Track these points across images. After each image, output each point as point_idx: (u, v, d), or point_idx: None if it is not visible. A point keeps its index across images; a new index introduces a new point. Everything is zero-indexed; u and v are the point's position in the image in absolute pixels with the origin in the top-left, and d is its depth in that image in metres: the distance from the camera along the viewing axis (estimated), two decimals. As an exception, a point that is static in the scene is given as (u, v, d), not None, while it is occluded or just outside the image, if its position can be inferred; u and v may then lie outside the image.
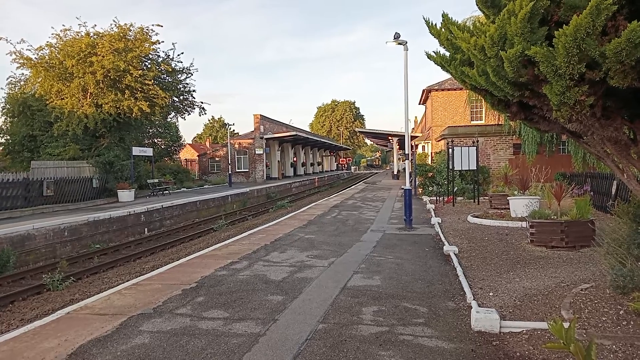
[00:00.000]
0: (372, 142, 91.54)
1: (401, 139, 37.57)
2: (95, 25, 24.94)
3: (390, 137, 44.20)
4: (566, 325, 3.08)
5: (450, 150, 18.08)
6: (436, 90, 31.70)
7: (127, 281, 8.37)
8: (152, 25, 27.04)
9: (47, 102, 24.69)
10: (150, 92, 25.94)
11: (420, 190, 24.67)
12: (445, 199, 19.47)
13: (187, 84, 31.08)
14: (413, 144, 36.21)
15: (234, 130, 64.32)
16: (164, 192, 26.39)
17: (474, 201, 18.34)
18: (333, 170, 76.99)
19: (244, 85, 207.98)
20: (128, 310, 5.98)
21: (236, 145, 43.18)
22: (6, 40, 31.86)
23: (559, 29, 3.72)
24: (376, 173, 77.75)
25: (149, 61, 27.60)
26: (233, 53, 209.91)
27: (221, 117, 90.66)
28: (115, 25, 25.88)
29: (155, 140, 40.12)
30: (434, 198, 20.50)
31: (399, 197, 22.69)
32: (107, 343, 4.87)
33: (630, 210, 5.66)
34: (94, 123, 24.59)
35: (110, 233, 17.07)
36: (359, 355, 4.41)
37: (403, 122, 19.04)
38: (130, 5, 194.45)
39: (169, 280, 7.58)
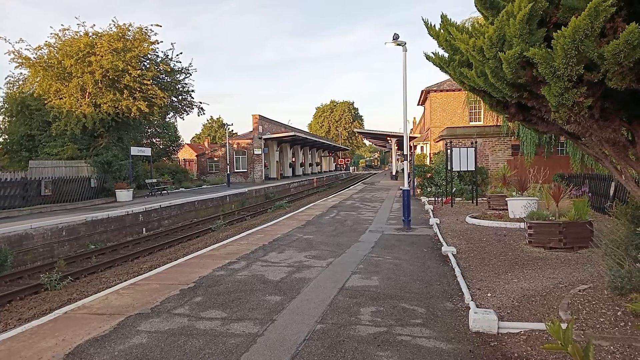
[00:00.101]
0: (370, 143, 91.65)
1: (400, 139, 37.61)
2: (94, 25, 24.89)
3: (388, 138, 44.24)
4: (564, 326, 3.09)
5: (448, 151, 18.10)
6: (435, 91, 31.72)
7: (125, 281, 8.36)
8: (151, 25, 27.02)
9: (46, 102, 24.64)
10: (148, 92, 25.91)
11: (418, 191, 24.68)
12: (444, 199, 19.49)
13: (185, 84, 31.06)
14: (412, 145, 36.22)
15: (232, 131, 64.29)
16: (162, 192, 26.35)
17: (473, 202, 18.36)
18: (332, 171, 77.00)
19: (243, 86, 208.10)
20: (126, 310, 5.97)
21: (235, 146, 43.16)
22: (5, 39, 31.91)
23: (558, 31, 3.73)
24: (375, 174, 77.80)
25: (148, 61, 27.56)
26: (232, 53, 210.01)
27: (220, 117, 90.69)
28: (114, 25, 25.87)
29: (154, 140, 40.02)
30: (433, 199, 20.53)
31: (398, 198, 22.71)
32: (105, 343, 4.87)
33: (628, 212, 5.67)
34: (92, 123, 24.54)
35: (108, 233, 17.04)
36: (357, 356, 4.41)
37: (402, 122, 19.07)
38: (129, 5, 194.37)
39: (166, 280, 7.57)
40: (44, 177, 20.07)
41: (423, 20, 5.44)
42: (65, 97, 24.72)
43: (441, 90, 31.47)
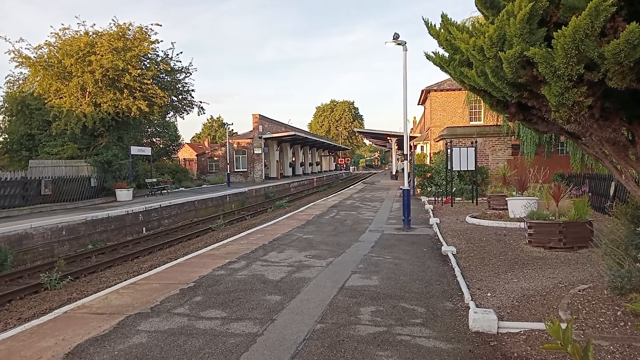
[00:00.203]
0: (370, 143, 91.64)
1: (400, 139, 37.60)
2: (95, 24, 24.94)
3: (389, 138, 44.23)
4: (564, 326, 3.09)
5: (448, 150, 18.10)
6: (435, 90, 31.71)
7: (125, 280, 8.36)
8: (151, 24, 27.00)
9: (46, 101, 24.64)
10: (149, 92, 25.90)
11: (418, 190, 24.68)
12: (444, 199, 19.49)
13: (186, 83, 31.05)
14: (412, 145, 36.21)
15: (232, 130, 64.34)
16: (162, 191, 26.35)
17: (473, 202, 18.36)
18: (332, 170, 77.00)
19: (243, 85, 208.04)
20: (126, 309, 5.97)
21: (235, 145, 43.16)
22: (5, 39, 31.78)
23: (558, 30, 3.72)
24: (375, 173, 77.80)
25: (148, 60, 27.54)
26: (232, 53, 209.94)
27: (220, 117, 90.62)
28: (114, 24, 25.84)
29: (154, 140, 40.02)
30: (433, 198, 20.53)
31: (398, 198, 22.70)
32: (105, 342, 4.87)
33: (628, 212, 5.67)
34: (92, 122, 24.54)
35: (108, 232, 17.04)
36: (357, 356, 4.41)
37: (402, 122, 19.06)
38: (129, 5, 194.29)
39: (166, 279, 7.57)
40: (44, 176, 20.07)
41: (423, 19, 5.44)
42: (66, 97, 24.71)
43: (441, 90, 31.47)
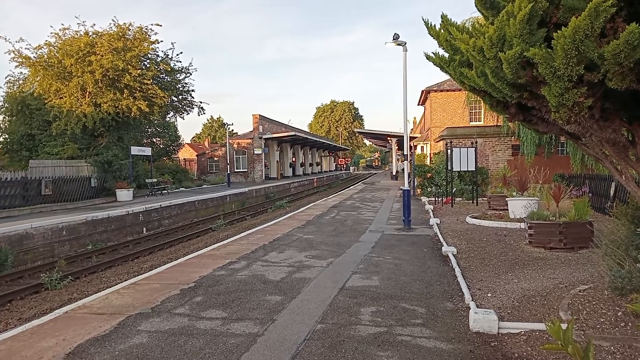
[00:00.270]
0: (371, 143, 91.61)
1: (400, 139, 37.60)
2: (95, 24, 24.97)
3: (389, 138, 44.23)
4: (564, 326, 3.09)
5: (449, 151, 18.10)
6: (435, 91, 31.71)
7: (126, 280, 8.37)
8: (152, 24, 27.02)
9: (46, 101, 24.65)
10: (149, 92, 25.92)
11: (419, 191, 24.68)
12: (444, 199, 19.49)
13: (186, 83, 31.07)
14: (412, 145, 36.22)
15: (232, 130, 64.32)
16: (163, 191, 26.35)
17: (473, 202, 18.36)
18: (332, 171, 77.00)
19: (243, 85, 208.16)
20: (126, 309, 5.98)
21: (235, 145, 43.16)
22: (5, 39, 31.85)
23: (558, 31, 3.73)
24: (375, 174, 77.81)
25: (148, 61, 27.56)
26: (232, 53, 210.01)
27: (220, 117, 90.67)
28: (115, 24, 25.86)
29: (154, 140, 40.06)
30: (433, 199, 20.53)
31: (398, 198, 22.71)
32: (105, 342, 4.87)
33: (629, 212, 5.67)
34: (92, 122, 24.55)
35: (109, 232, 17.04)
36: (357, 356, 4.41)
37: (402, 122, 19.06)
38: (129, 5, 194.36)
39: (167, 279, 7.58)
40: (44, 176, 20.08)
41: (423, 20, 5.45)
42: (66, 97, 24.72)
43: (441, 90, 31.46)
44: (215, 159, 45.82)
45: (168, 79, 29.59)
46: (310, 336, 4.92)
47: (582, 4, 3.70)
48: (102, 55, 24.15)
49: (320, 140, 62.89)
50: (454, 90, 30.12)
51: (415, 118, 59.19)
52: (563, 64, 3.78)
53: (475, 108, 28.91)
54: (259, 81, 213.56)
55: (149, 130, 38.55)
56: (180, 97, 31.53)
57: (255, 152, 41.57)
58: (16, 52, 24.49)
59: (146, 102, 25.60)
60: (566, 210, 9.17)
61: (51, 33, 25.62)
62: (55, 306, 8.87)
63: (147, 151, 28.17)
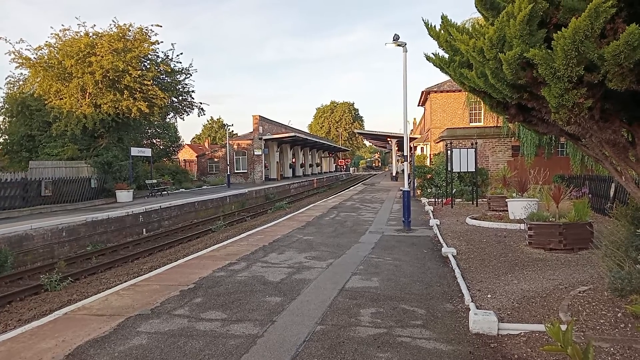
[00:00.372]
0: (371, 144, 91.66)
1: (400, 140, 37.62)
2: (95, 25, 24.96)
3: (389, 139, 44.29)
4: (564, 327, 3.08)
5: (448, 152, 18.10)
6: (435, 92, 31.73)
7: (125, 282, 8.36)
8: (152, 25, 27.05)
9: (46, 102, 24.66)
10: (149, 93, 25.93)
11: (418, 191, 24.68)
12: (444, 200, 19.49)
13: (186, 84, 31.09)
14: (412, 146, 36.23)
15: (232, 131, 64.18)
16: (163, 192, 26.35)
17: (473, 203, 18.36)
18: (332, 172, 77.02)
19: (243, 86, 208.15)
20: (126, 311, 5.97)
21: (235, 146, 43.16)
22: (5, 39, 31.84)
23: (558, 32, 3.73)
24: (375, 174, 77.79)
25: (148, 61, 27.58)
26: (232, 53, 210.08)
27: (220, 118, 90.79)
28: (115, 25, 25.90)
29: (154, 141, 40.05)
30: (433, 200, 20.53)
31: (398, 199, 22.70)
32: (105, 344, 4.86)
33: (629, 213, 5.67)
34: (92, 123, 24.56)
35: (109, 233, 17.04)
36: (357, 357, 4.40)
37: (402, 123, 19.07)
38: (129, 5, 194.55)
39: (167, 281, 7.57)
40: (44, 177, 20.08)
41: (423, 21, 5.45)
42: (66, 98, 24.74)
43: (441, 91, 31.49)
44: (215, 160, 45.82)
45: (168, 80, 29.62)
46: (310, 337, 4.91)
47: (582, 5, 3.70)
48: (102, 56, 24.17)
49: (320, 141, 62.91)
50: (454, 91, 30.15)
51: (415, 119, 59.27)
52: (563, 64, 3.78)
53: (475, 109, 28.94)
54: (259, 82, 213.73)
55: (149, 131, 38.56)
56: (180, 98, 31.55)
57: (255, 153, 41.58)
58: (16, 53, 24.54)
59: (146, 103, 25.61)
60: (566, 211, 9.17)
61: (51, 34, 25.71)
62: (54, 307, 8.86)
63: (147, 152, 28.18)
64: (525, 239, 9.55)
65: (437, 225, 12.95)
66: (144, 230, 18.99)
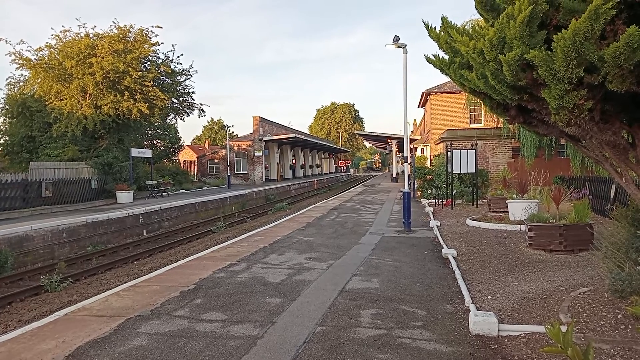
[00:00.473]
0: (371, 145, 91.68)
1: (400, 141, 37.63)
2: (95, 26, 25.06)
3: (389, 140, 44.31)
4: (564, 329, 3.08)
5: (449, 153, 18.11)
6: (435, 93, 31.75)
7: (125, 283, 8.35)
8: (152, 26, 27.17)
9: (46, 103, 24.69)
10: (149, 94, 25.95)
11: (419, 193, 24.68)
12: (444, 202, 19.48)
13: (186, 85, 31.12)
14: (412, 147, 36.24)
15: (233, 132, 64.26)
16: (163, 193, 26.36)
17: (473, 204, 18.35)
18: (332, 173, 77.03)
19: (243, 87, 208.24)
20: (126, 311, 5.97)
21: (235, 147, 43.17)
22: (6, 41, 31.76)
23: (558, 33, 3.73)
24: (375, 175, 77.80)
25: (149, 63, 27.62)
26: (233, 54, 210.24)
27: (220, 119, 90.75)
28: (115, 26, 25.94)
29: (154, 142, 40.09)
30: (433, 201, 20.52)
31: (398, 200, 22.70)
32: (105, 345, 4.86)
33: (629, 214, 5.67)
34: (93, 124, 24.58)
35: (109, 234, 17.03)
36: (357, 358, 4.40)
37: (402, 124, 19.08)
38: (130, 6, 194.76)
39: (167, 282, 7.57)
40: (45, 178, 20.08)
41: (423, 22, 5.45)
42: (66, 99, 24.76)
43: (442, 93, 31.51)
44: (216, 161, 45.82)
45: (168, 81, 29.64)
46: (310, 338, 4.91)
47: (582, 7, 3.71)
48: (102, 57, 24.20)
49: (321, 142, 62.89)
50: (454, 93, 30.17)
51: (415, 120, 59.25)
52: (563, 66, 3.78)
53: (476, 110, 28.96)
54: (259, 83, 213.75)
55: (150, 132, 38.59)
56: (180, 99, 31.58)
57: (256, 154, 41.58)
58: (17, 54, 24.58)
59: (147, 104, 25.64)
60: (566, 213, 9.17)
61: (52, 35, 25.72)
62: (54, 308, 8.87)
63: (148, 153, 28.19)
64: (525, 240, 9.54)
65: (437, 226, 12.95)
66: (144, 231, 18.99)
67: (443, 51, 5.48)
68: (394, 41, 12.89)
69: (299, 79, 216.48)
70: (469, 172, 18.21)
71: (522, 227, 10.73)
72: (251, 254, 9.82)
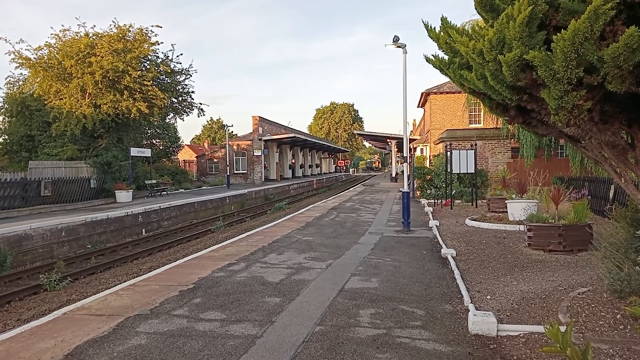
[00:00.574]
0: (370, 145, 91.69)
1: (400, 141, 37.64)
2: (95, 25, 25.00)
3: (388, 140, 44.32)
4: (563, 329, 3.09)
5: (448, 153, 18.11)
6: (435, 93, 31.78)
7: (124, 282, 8.36)
8: (152, 26, 27.08)
9: (46, 102, 24.66)
10: (149, 93, 25.93)
11: (418, 193, 24.69)
12: (444, 202, 19.49)
13: (186, 85, 31.08)
14: (411, 147, 36.24)
15: (232, 132, 64.20)
16: (162, 193, 26.35)
17: (472, 204, 18.36)
18: (331, 173, 77.02)
19: (243, 87, 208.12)
20: (125, 311, 5.97)
21: (234, 147, 43.16)
22: (5, 40, 31.78)
23: (557, 34, 3.74)
24: (375, 175, 77.77)
25: (148, 62, 27.58)
26: (232, 54, 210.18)
27: (220, 119, 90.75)
28: (115, 25, 25.89)
29: (154, 141, 40.03)
30: (432, 201, 20.53)
31: (397, 200, 22.71)
32: (104, 344, 4.86)
33: (628, 215, 5.67)
34: (92, 123, 24.55)
35: (108, 234, 17.03)
36: (356, 358, 4.41)
37: (402, 124, 19.09)
38: (130, 6, 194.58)
39: (166, 281, 7.57)
40: (44, 177, 20.06)
41: (423, 22, 5.45)
42: (66, 98, 24.73)
43: (441, 93, 31.54)
44: (215, 160, 45.81)
45: (168, 81, 29.60)
46: (309, 338, 4.91)
47: (582, 7, 3.71)
48: (102, 57, 24.17)
49: (320, 142, 62.88)
50: (453, 93, 30.20)
51: (415, 120, 59.30)
52: (562, 66, 3.78)
53: (475, 110, 29.00)
54: (259, 83, 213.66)
55: (149, 131, 38.55)
56: (180, 98, 31.54)
57: (255, 154, 41.57)
58: (16, 53, 24.52)
59: (146, 104, 25.61)
60: (565, 213, 9.18)
61: (51, 34, 25.70)
62: (53, 307, 8.85)
63: (147, 152, 28.16)
64: (524, 240, 9.56)
65: (436, 226, 12.96)
66: (143, 230, 18.99)
67: (443, 51, 5.48)
68: (393, 41, 12.89)
69: (298, 79, 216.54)
70: (469, 172, 18.22)
71: (521, 227, 10.74)
72: (250, 253, 9.82)
